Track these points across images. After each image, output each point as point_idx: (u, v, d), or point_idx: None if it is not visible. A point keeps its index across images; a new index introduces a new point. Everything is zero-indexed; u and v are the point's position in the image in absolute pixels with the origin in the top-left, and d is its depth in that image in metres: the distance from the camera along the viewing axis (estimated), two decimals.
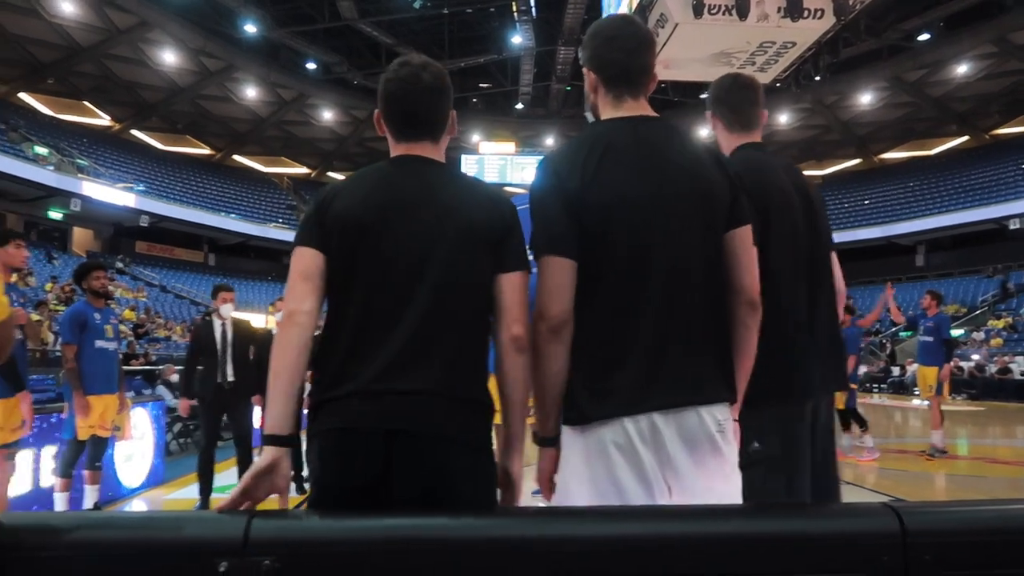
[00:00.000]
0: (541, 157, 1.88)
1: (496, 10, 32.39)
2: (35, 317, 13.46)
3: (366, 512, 1.47)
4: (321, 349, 1.66)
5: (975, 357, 23.79)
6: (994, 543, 1.37)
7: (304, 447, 1.66)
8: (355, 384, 1.59)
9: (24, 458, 5.24)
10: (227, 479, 6.51)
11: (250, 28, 30.88)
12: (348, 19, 31.03)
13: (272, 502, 1.55)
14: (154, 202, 31.94)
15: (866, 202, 36.55)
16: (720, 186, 1.79)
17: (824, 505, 2.03)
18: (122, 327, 7.53)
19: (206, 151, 39.53)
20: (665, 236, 1.72)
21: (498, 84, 37.82)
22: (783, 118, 34.98)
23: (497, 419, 1.72)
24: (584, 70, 1.93)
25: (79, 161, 30.12)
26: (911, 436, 11.72)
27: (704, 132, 33.35)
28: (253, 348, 6.30)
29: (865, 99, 33.83)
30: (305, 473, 5.63)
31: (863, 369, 20.42)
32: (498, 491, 1.71)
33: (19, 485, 5.25)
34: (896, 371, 25.66)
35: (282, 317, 1.64)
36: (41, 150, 28.45)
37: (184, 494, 7.00)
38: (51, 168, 27.92)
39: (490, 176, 35.68)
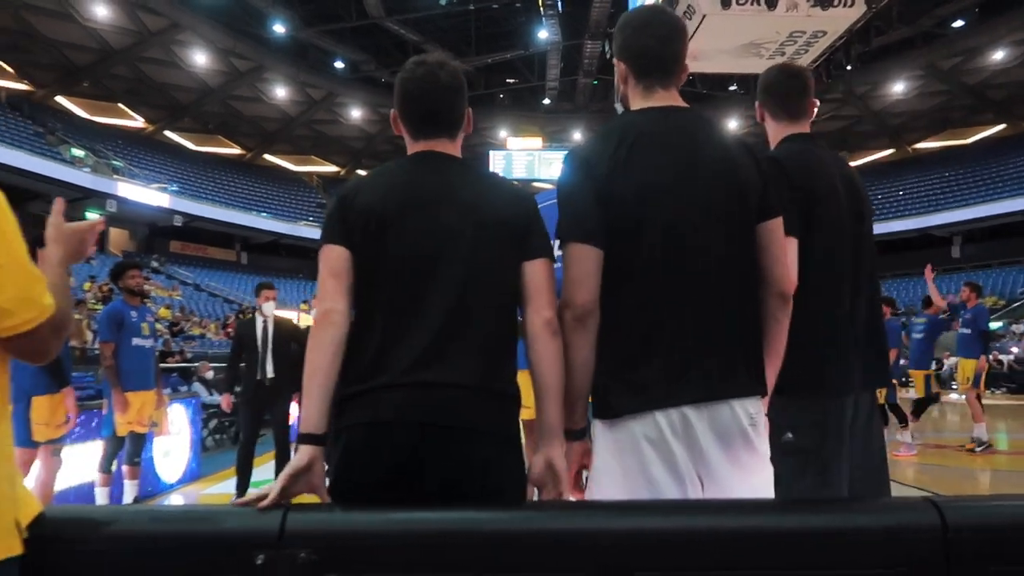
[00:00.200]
0: (567, 152, 1.87)
1: (522, 5, 32.31)
2: (75, 316, 13.73)
3: (401, 506, 1.48)
4: (348, 346, 1.66)
5: (1014, 350, 23.21)
6: None
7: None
8: (383, 379, 1.59)
9: (69, 454, 5.36)
10: (264, 474, 6.61)
11: (279, 28, 31.20)
12: (375, 17, 31.19)
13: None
14: (187, 202, 32.40)
15: (900, 193, 35.88)
16: (752, 178, 1.77)
17: (864, 500, 2.00)
18: (158, 325, 7.70)
19: (237, 151, 40.02)
20: (697, 227, 1.70)
21: (525, 79, 37.75)
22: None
23: (526, 414, 1.72)
24: (614, 61, 1.92)
25: (114, 163, 30.68)
26: (948, 430, 11.50)
27: (732, 124, 33.05)
28: (295, 345, 6.39)
29: (898, 88, 33.16)
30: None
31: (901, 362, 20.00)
32: (535, 488, 1.68)
33: (63, 480, 5.37)
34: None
35: (316, 316, 1.65)
36: (78, 152, 29.05)
37: (220, 489, 7.11)
38: (87, 170, 28.47)
39: (518, 172, 35.64)
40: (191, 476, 7.61)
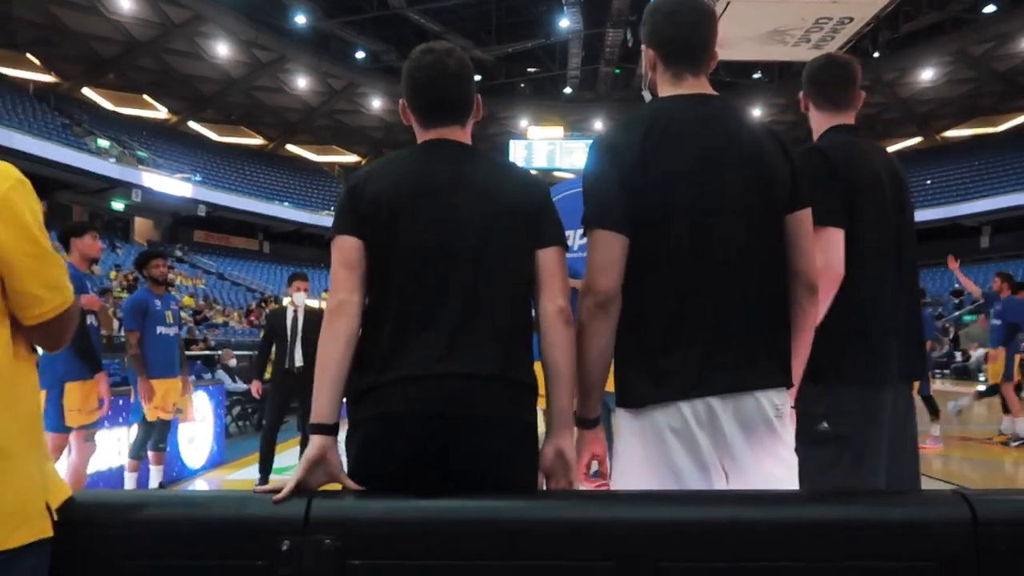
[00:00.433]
0: (590, 141, 1.84)
1: None
2: (105, 305, 13.93)
3: (423, 494, 1.48)
4: (361, 337, 1.65)
5: None
6: None
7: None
8: (400, 371, 1.58)
9: (102, 439, 5.45)
10: (288, 459, 6.67)
11: (300, 19, 31.30)
12: (396, 7, 31.17)
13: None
14: (210, 192, 32.70)
15: (928, 182, 35.29)
16: (782, 168, 1.75)
17: (894, 493, 1.98)
18: (182, 313, 7.78)
19: (259, 141, 40.31)
20: (725, 216, 1.68)
21: (546, 69, 37.55)
22: None
23: (541, 403, 1.71)
24: (643, 48, 1.89)
25: (139, 153, 31.05)
26: (975, 423, 11.33)
27: (756, 113, 32.67)
28: None
29: (927, 75, 32.57)
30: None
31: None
32: (545, 477, 1.67)
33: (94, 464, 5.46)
34: (959, 356, 24.82)
35: (329, 307, 1.64)
36: (103, 143, 29.42)
37: (244, 475, 7.20)
38: (113, 160, 28.84)
39: (539, 161, 35.52)
40: (215, 462, 7.71)
